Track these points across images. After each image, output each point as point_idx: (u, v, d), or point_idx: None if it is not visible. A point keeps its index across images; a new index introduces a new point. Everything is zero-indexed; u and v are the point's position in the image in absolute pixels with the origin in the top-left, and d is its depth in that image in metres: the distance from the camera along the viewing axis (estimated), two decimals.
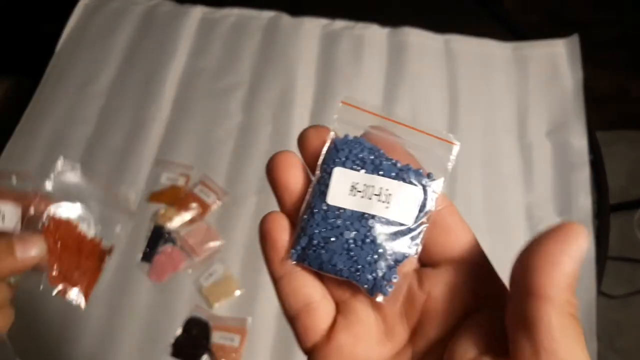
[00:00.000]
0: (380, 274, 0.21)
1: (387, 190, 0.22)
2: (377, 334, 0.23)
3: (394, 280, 0.21)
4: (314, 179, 0.23)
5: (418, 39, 0.79)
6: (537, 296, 0.18)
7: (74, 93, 0.75)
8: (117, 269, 0.62)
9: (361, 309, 0.23)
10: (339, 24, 0.81)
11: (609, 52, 0.80)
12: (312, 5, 0.81)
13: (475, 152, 0.70)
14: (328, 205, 0.22)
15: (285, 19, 0.81)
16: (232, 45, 0.79)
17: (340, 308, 0.23)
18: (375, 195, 0.22)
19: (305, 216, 0.22)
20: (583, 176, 0.68)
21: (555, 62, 0.77)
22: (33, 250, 0.32)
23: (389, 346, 0.23)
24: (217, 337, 0.58)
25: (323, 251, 0.22)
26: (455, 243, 0.22)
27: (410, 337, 0.23)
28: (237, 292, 0.61)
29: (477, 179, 0.68)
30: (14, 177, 0.34)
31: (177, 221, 0.65)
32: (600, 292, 0.61)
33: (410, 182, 0.22)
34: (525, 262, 0.19)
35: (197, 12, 0.82)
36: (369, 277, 0.21)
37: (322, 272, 0.22)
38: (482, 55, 0.78)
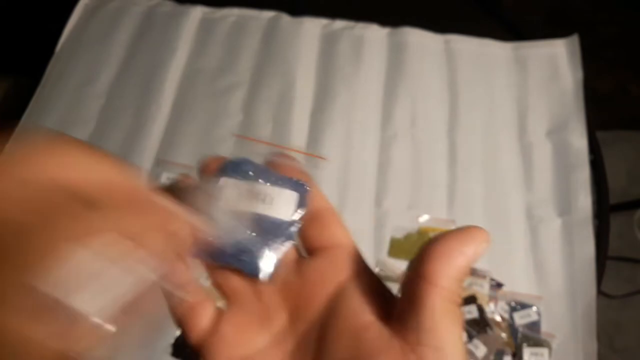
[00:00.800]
0: (262, 258, 0.25)
1: (269, 194, 0.26)
2: (258, 321, 0.25)
3: (274, 263, 0.25)
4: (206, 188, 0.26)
5: (418, 38, 0.79)
6: (428, 281, 0.21)
7: (74, 93, 0.75)
8: None
9: (246, 299, 0.25)
10: (339, 24, 0.81)
11: (609, 52, 0.80)
12: (312, 5, 0.81)
13: (475, 152, 0.70)
14: (219, 208, 0.26)
15: (285, 19, 0.81)
16: (232, 45, 0.79)
17: (228, 301, 0.26)
18: (261, 199, 0.26)
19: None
20: (583, 176, 0.68)
21: (556, 62, 0.77)
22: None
23: (271, 331, 0.25)
24: None
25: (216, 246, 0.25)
26: (330, 235, 0.26)
27: (290, 321, 0.25)
28: None
29: (477, 179, 0.68)
30: None
31: None
32: (600, 292, 0.61)
33: (287, 188, 0.26)
34: (426, 250, 0.22)
35: (197, 12, 0.82)
36: (253, 261, 0.25)
37: (214, 263, 0.26)
38: (482, 55, 0.78)
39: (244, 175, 0.27)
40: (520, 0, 0.84)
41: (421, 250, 0.22)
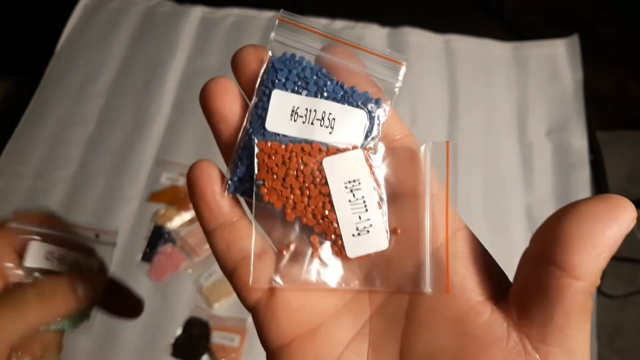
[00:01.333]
0: None
1: (330, 114, 0.20)
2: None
3: None
4: (251, 104, 0.21)
5: (418, 38, 0.79)
6: (567, 272, 0.17)
7: (74, 93, 0.75)
8: (117, 269, 0.62)
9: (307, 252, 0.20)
10: (339, 23, 0.81)
11: (610, 52, 0.80)
12: (312, 5, 0.81)
13: (475, 152, 0.70)
14: (266, 131, 0.20)
15: None
16: (232, 45, 0.79)
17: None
18: (318, 120, 0.20)
19: (241, 144, 0.21)
20: (583, 176, 0.68)
21: (555, 62, 0.77)
22: (92, 288, 0.32)
23: (339, 294, 0.21)
24: (217, 337, 0.58)
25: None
26: (413, 178, 0.21)
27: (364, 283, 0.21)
28: None
29: (477, 179, 0.68)
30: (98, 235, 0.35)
31: (177, 221, 0.65)
32: (600, 292, 0.61)
33: (357, 106, 0.20)
34: (564, 233, 0.17)
35: (197, 12, 0.82)
36: None
37: (260, 204, 0.20)
38: (482, 55, 0.78)
39: (299, 85, 0.20)
40: (520, 0, 0.84)
41: (555, 229, 0.18)
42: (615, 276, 0.66)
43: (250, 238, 0.21)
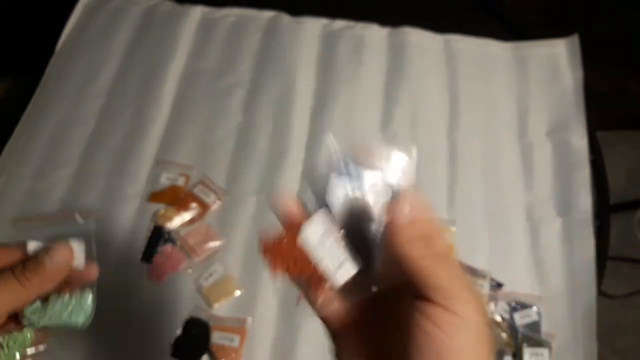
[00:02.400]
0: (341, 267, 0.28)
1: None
2: None
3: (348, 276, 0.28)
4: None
5: (418, 38, 0.79)
6: None
7: (74, 93, 0.75)
8: (117, 269, 0.62)
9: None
10: (339, 23, 0.80)
11: (610, 52, 0.80)
12: (312, 5, 0.81)
13: (475, 152, 0.70)
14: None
15: (285, 18, 0.81)
16: (232, 45, 0.79)
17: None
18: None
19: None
20: (583, 176, 0.68)
21: (556, 62, 0.77)
22: (61, 258, 0.34)
23: None
24: (217, 337, 0.58)
25: None
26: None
27: None
28: (237, 292, 0.61)
29: (477, 179, 0.68)
30: (77, 216, 0.37)
31: (177, 221, 0.65)
32: (600, 292, 0.61)
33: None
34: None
35: (197, 12, 0.82)
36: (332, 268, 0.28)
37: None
38: (483, 55, 0.78)
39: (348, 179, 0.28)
40: (520, 0, 0.84)
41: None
42: (616, 276, 0.66)
43: None
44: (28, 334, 0.35)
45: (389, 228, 0.25)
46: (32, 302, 0.34)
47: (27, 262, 0.33)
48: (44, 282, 0.34)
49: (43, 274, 0.33)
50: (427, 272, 0.24)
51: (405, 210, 0.25)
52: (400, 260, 0.25)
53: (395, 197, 0.26)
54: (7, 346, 0.34)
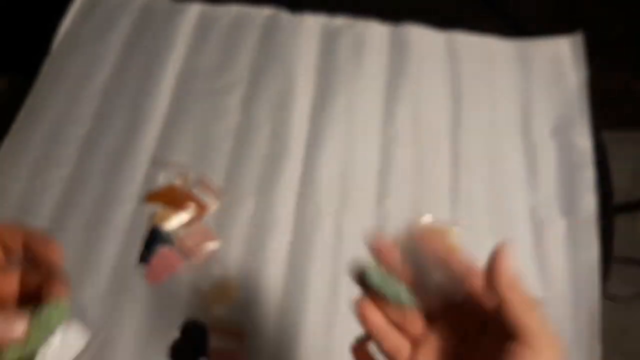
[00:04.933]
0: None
1: None
2: None
3: None
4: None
5: (420, 36, 0.78)
6: None
7: (70, 91, 0.74)
8: (114, 271, 0.61)
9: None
10: (339, 21, 0.80)
11: (615, 50, 0.79)
12: (311, 1, 0.80)
13: (478, 152, 0.69)
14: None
15: (285, 16, 0.80)
16: (231, 43, 0.78)
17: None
18: None
19: None
20: (588, 176, 0.67)
21: (560, 60, 0.76)
22: (16, 327, 0.29)
23: None
24: (215, 340, 0.57)
25: None
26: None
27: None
28: (236, 294, 0.60)
29: (481, 179, 0.68)
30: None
31: (175, 222, 0.64)
32: (604, 294, 0.60)
33: None
34: None
35: (195, 8, 0.81)
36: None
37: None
38: (486, 53, 0.77)
39: None
40: None
41: None
42: (620, 278, 0.66)
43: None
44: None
45: (495, 271, 0.31)
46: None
47: None
48: None
49: None
50: (524, 317, 0.30)
51: (509, 260, 0.31)
52: (502, 302, 0.31)
53: (499, 249, 0.32)
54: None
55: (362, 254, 0.36)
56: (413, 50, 0.76)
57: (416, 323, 0.34)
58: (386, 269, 0.34)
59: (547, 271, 0.62)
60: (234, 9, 0.81)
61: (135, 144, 0.69)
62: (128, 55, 0.78)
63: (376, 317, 0.34)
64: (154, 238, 0.63)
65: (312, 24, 0.79)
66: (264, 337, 0.58)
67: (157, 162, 0.68)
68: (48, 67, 0.77)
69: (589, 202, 0.65)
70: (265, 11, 0.81)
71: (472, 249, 0.63)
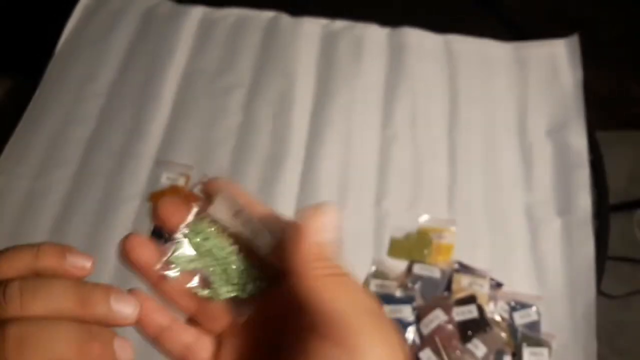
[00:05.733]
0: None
1: None
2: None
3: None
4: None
5: (418, 39, 0.79)
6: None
7: (73, 93, 0.75)
8: (116, 271, 0.62)
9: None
10: (339, 24, 0.80)
11: (610, 52, 0.80)
12: (312, 5, 0.81)
13: (475, 152, 0.70)
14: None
15: (285, 19, 0.81)
16: (232, 46, 0.79)
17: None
18: None
19: None
20: (583, 176, 0.68)
21: (556, 62, 0.77)
22: (128, 307, 0.24)
23: None
24: None
25: None
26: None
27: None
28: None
29: (477, 179, 0.68)
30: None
31: None
32: (600, 292, 0.61)
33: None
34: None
35: (197, 12, 0.82)
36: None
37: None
38: (482, 56, 0.78)
39: None
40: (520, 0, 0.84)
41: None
42: (615, 276, 0.66)
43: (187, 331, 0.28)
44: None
45: (293, 243, 0.22)
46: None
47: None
48: None
49: None
50: (331, 301, 0.20)
51: (319, 226, 0.22)
52: (294, 280, 0.21)
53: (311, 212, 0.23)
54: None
55: (362, 252, 0.37)
56: (411, 52, 0.77)
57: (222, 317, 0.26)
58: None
59: (543, 269, 0.63)
60: (236, 12, 0.82)
61: (139, 145, 0.70)
62: (131, 56, 0.78)
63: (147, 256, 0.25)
64: (157, 238, 0.63)
65: (312, 26, 0.80)
66: None
67: (160, 163, 0.69)
68: (52, 69, 0.77)
69: (584, 201, 0.66)
70: (267, 14, 0.82)
71: (468, 248, 0.64)
